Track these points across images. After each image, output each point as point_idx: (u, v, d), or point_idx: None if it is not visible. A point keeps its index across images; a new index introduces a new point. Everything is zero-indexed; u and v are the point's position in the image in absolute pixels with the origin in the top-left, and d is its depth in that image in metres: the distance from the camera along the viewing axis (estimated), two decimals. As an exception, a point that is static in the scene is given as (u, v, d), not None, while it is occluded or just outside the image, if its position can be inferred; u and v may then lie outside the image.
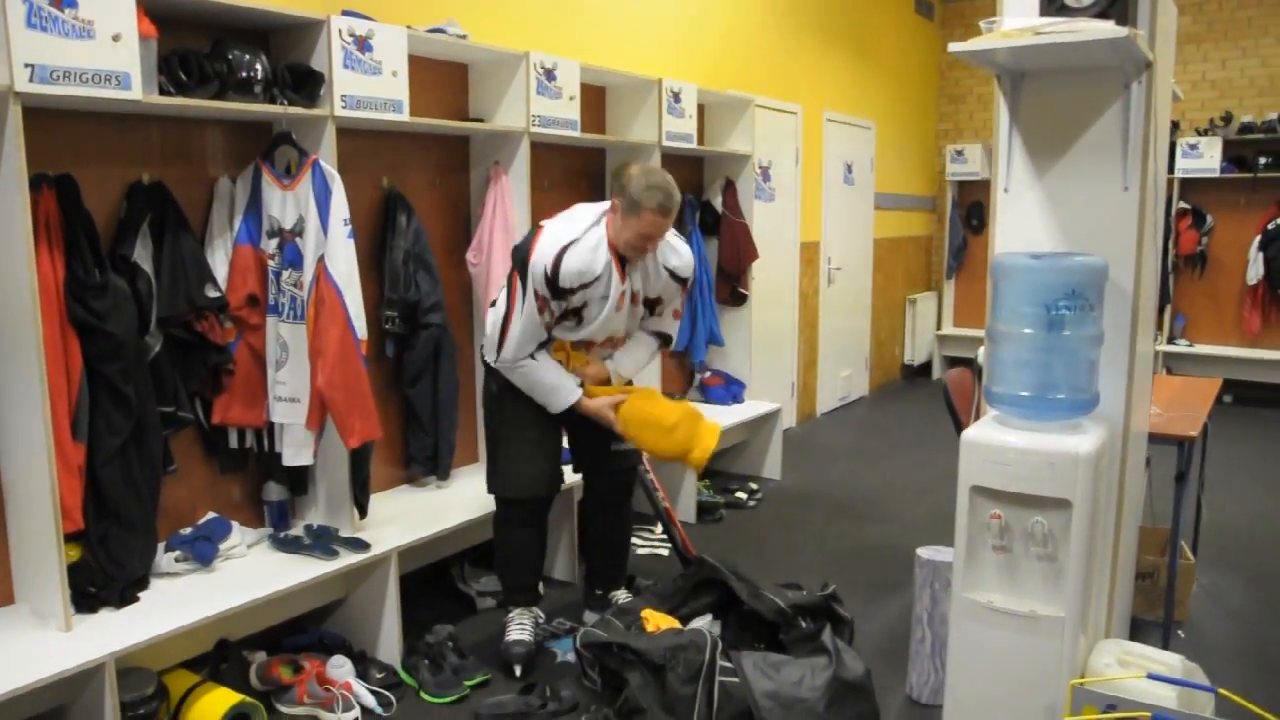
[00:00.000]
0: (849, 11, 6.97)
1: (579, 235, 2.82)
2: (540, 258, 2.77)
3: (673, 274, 3.02)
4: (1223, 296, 7.45)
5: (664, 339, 3.21)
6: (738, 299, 5.24)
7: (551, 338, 2.97)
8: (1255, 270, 7.12)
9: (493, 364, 2.98)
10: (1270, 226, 7.03)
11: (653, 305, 3.10)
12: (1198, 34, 7.41)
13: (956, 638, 2.45)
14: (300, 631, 3.07)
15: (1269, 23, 7.25)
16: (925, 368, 8.54)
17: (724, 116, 5.17)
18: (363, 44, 2.96)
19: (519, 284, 2.84)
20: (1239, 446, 5.93)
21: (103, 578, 2.58)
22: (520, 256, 2.85)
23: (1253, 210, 7.20)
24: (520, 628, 3.10)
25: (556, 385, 2.95)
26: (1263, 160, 7.02)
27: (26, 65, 2.20)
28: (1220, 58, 7.40)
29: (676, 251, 3.01)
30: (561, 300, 2.84)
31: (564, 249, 2.77)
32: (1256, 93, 7.31)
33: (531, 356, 2.91)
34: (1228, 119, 7.17)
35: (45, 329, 2.35)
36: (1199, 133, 7.23)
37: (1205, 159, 7.05)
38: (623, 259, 2.89)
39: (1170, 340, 7.44)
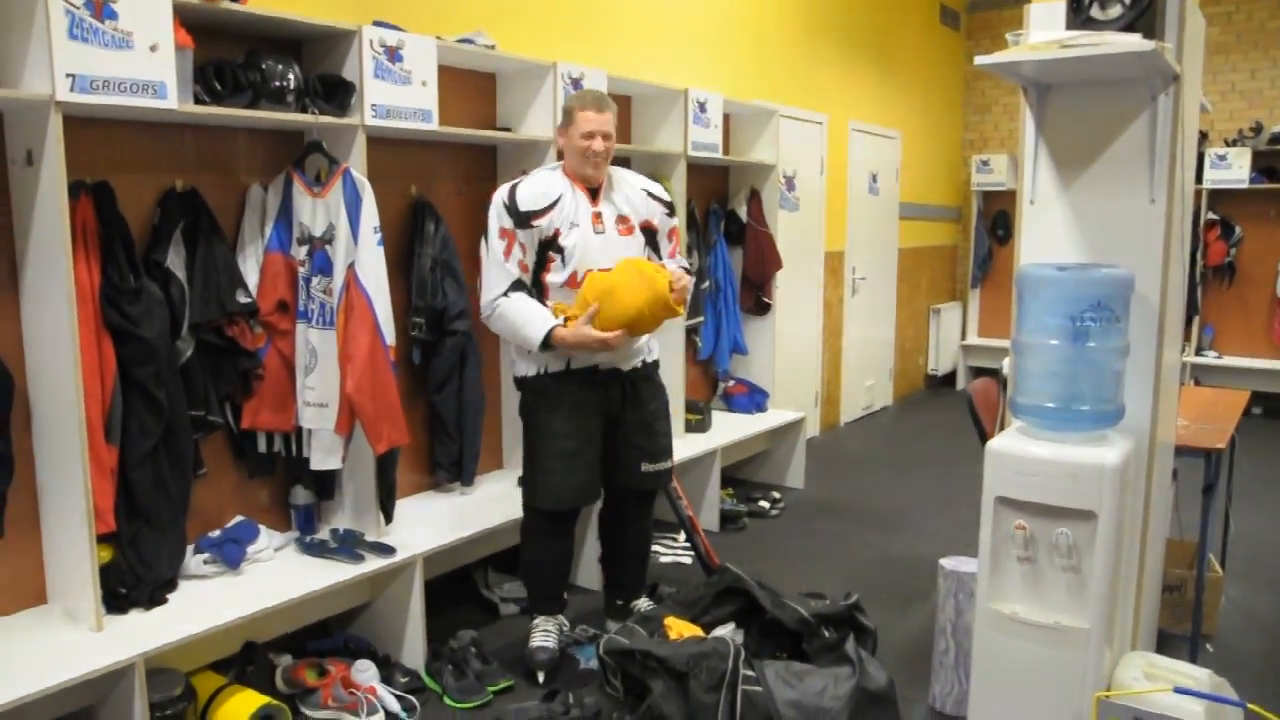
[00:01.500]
0: (874, 22, 6.98)
1: (530, 174, 3.04)
2: (498, 194, 2.95)
3: (650, 194, 3.10)
4: (1252, 308, 7.37)
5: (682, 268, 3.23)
6: (762, 308, 5.24)
7: (543, 285, 2.94)
8: (1285, 282, 7.05)
9: (483, 319, 3.00)
10: (1301, 238, 6.97)
11: (653, 237, 3.11)
12: (1227, 44, 7.35)
13: (980, 649, 2.44)
14: (326, 635, 3.10)
15: (1300, 33, 7.19)
16: (950, 378, 8.49)
17: (749, 126, 5.19)
18: (393, 54, 3.00)
19: (484, 236, 2.95)
20: (1268, 459, 5.85)
21: (133, 579, 2.61)
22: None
23: (1283, 221, 7.14)
24: (544, 634, 3.11)
25: (529, 318, 2.88)
26: (1293, 171, 6.96)
27: (68, 75, 2.25)
28: (1249, 68, 7.34)
29: (646, 181, 3.15)
30: (528, 229, 2.89)
31: (515, 184, 2.97)
32: (1288, 103, 7.25)
33: (505, 295, 2.91)
34: (1258, 129, 7.10)
35: (80, 333, 2.39)
36: (1228, 143, 7.17)
37: (1234, 169, 6.98)
38: (591, 189, 2.98)
39: (1198, 351, 7.36)
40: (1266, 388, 7.01)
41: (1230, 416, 3.33)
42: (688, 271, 3.24)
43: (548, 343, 2.85)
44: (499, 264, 2.91)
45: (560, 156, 3.09)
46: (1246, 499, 4.85)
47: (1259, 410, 7.05)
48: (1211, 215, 7.26)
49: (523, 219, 2.89)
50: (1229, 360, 7.28)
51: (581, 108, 2.93)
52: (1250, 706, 2.14)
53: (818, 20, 6.26)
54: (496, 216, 2.91)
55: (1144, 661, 2.41)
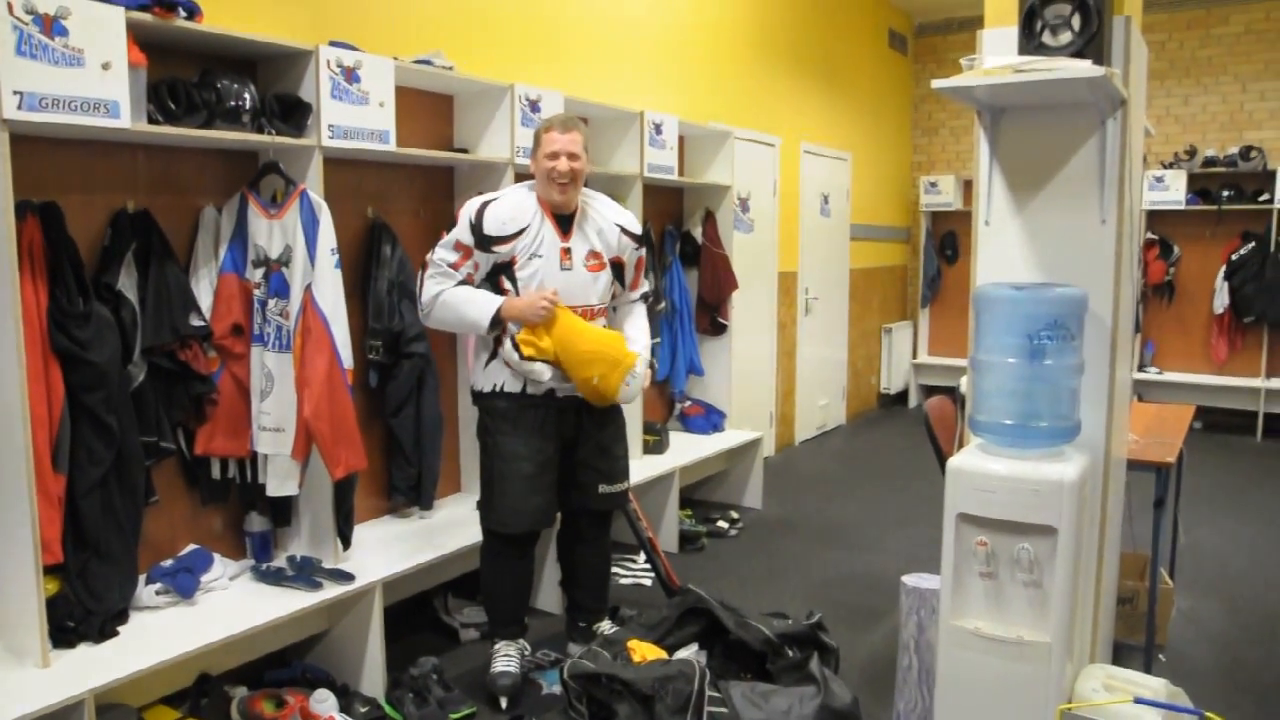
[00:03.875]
0: (824, 45, 7.10)
1: (502, 195, 3.01)
2: (467, 209, 2.92)
3: (624, 230, 3.10)
4: (1190, 325, 7.59)
5: (643, 298, 3.25)
6: (718, 329, 5.27)
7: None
8: (1221, 300, 7.27)
9: (422, 318, 3.01)
10: (1234, 257, 7.20)
11: (620, 272, 3.11)
12: (1161, 71, 7.61)
13: (944, 665, 2.46)
14: (283, 665, 3.03)
15: (1227, 62, 7.46)
16: (901, 396, 8.61)
17: (704, 148, 5.23)
18: (350, 74, 2.98)
19: (443, 240, 2.94)
20: (1209, 472, 6.01)
21: (81, 612, 2.53)
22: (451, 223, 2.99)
23: (1217, 241, 7.37)
24: (506, 659, 3.08)
25: (473, 300, 2.89)
26: (1226, 193, 7.20)
27: (15, 93, 2.20)
28: (1183, 94, 7.60)
29: (621, 212, 3.15)
30: (487, 252, 2.89)
31: (487, 202, 2.94)
32: (1218, 128, 7.51)
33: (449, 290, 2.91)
34: (1192, 153, 7.34)
35: (27, 357, 2.32)
36: (1165, 166, 7.40)
37: (1171, 191, 7.21)
38: (561, 222, 2.96)
39: (1140, 368, 7.56)
40: (1206, 402, 7.21)
41: (1178, 431, 3.42)
42: (645, 298, 3.26)
43: (497, 319, 2.87)
44: (445, 271, 2.90)
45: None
46: (1190, 511, 4.97)
47: (1199, 424, 7.24)
48: (1151, 235, 7.48)
49: (484, 241, 2.88)
50: (1170, 376, 7.48)
51: (546, 129, 2.92)
52: (1208, 715, 2.18)
53: (770, 43, 6.35)
54: (459, 231, 2.90)
55: (1103, 674, 2.45)
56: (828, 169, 7.25)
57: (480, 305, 2.88)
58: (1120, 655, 3.22)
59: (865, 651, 3.44)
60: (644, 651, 2.92)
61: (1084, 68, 2.10)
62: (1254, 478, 6.06)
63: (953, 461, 2.42)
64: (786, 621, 3.08)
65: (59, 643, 2.47)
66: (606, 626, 3.32)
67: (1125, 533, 3.42)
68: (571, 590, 3.35)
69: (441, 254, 2.92)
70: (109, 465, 2.55)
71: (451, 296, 2.90)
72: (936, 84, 2.26)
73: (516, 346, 2.90)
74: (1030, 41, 2.26)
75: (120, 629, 2.59)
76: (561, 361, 2.91)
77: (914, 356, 8.69)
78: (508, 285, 2.93)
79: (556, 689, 3.05)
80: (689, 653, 3.00)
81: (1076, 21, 2.21)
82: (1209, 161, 7.28)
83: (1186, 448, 3.66)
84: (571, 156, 2.89)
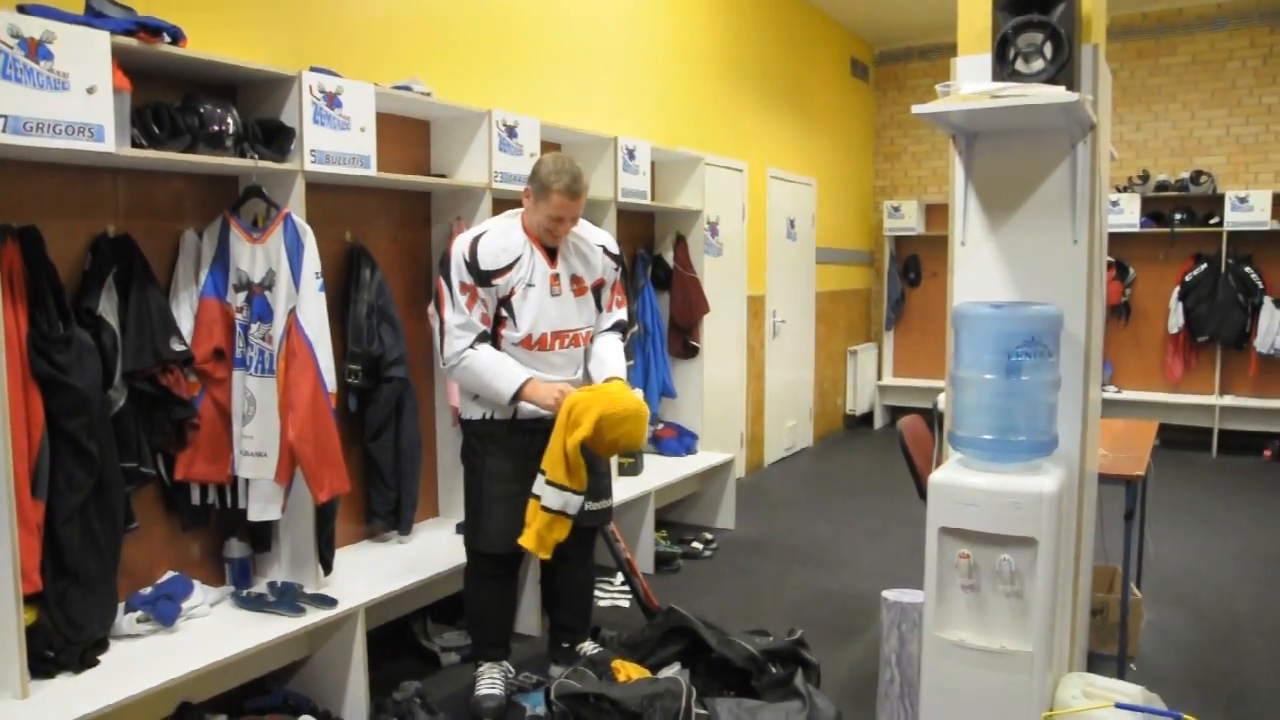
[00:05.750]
0: (789, 72, 7.23)
1: (490, 227, 3.02)
2: (458, 247, 2.93)
3: (605, 249, 3.15)
4: (1146, 344, 7.78)
5: (619, 326, 3.23)
6: (690, 351, 5.31)
7: (497, 336, 2.96)
8: (1176, 320, 7.47)
9: (444, 369, 3.00)
10: (1188, 278, 7.41)
11: (599, 293, 3.14)
12: (1114, 98, 7.82)
13: (928, 677, 2.50)
14: (264, 693, 2.99)
15: (1176, 90, 7.71)
16: (867, 417, 8.70)
17: (675, 173, 5.30)
18: (332, 100, 2.99)
19: (444, 286, 2.93)
20: (1169, 486, 6.15)
21: (61, 641, 2.49)
22: (442, 262, 2.98)
23: (1171, 263, 7.58)
24: (491, 682, 3.07)
25: (498, 371, 2.90)
26: (1178, 216, 7.41)
27: (0, 116, 2.19)
28: (1135, 120, 7.83)
29: (599, 232, 3.19)
30: (488, 286, 2.91)
31: (478, 236, 2.96)
32: (1169, 153, 7.74)
33: (471, 348, 2.90)
34: (1145, 177, 7.56)
35: (7, 383, 2.29)
36: (1119, 190, 7.61)
37: (1126, 214, 7.41)
38: (548, 249, 3.00)
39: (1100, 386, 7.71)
40: (1162, 419, 7.35)
41: (1144, 445, 3.51)
42: (623, 328, 3.25)
43: (518, 395, 2.89)
44: (463, 316, 2.89)
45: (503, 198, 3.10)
46: (1153, 525, 5.08)
47: (1157, 441, 7.39)
48: (1107, 257, 7.66)
49: (483, 277, 2.90)
50: (1128, 395, 7.65)
51: (558, 190, 2.87)
52: (1186, 717, 2.24)
53: (736, 70, 6.45)
54: (457, 270, 2.90)
55: (1082, 682, 2.50)
56: (794, 194, 7.36)
57: (504, 379, 2.89)
58: (1093, 665, 3.28)
59: (845, 667, 3.47)
60: (629, 671, 2.93)
61: (1058, 93, 2.18)
62: (1211, 492, 6.21)
63: (934, 476, 2.47)
64: (768, 639, 3.11)
65: (38, 673, 2.43)
66: (589, 647, 3.32)
67: (1096, 546, 3.51)
68: (554, 611, 3.35)
69: (456, 300, 2.89)
70: (89, 492, 2.52)
71: (475, 362, 2.90)
72: (917, 109, 2.33)
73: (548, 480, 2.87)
74: (1004, 68, 2.34)
75: (100, 658, 2.55)
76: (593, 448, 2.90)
77: (879, 378, 8.80)
78: (505, 314, 2.95)
79: (540, 711, 3.04)
80: (672, 671, 3.01)
81: (1048, 49, 2.29)
82: (1161, 186, 7.50)
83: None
84: (573, 220, 2.97)
